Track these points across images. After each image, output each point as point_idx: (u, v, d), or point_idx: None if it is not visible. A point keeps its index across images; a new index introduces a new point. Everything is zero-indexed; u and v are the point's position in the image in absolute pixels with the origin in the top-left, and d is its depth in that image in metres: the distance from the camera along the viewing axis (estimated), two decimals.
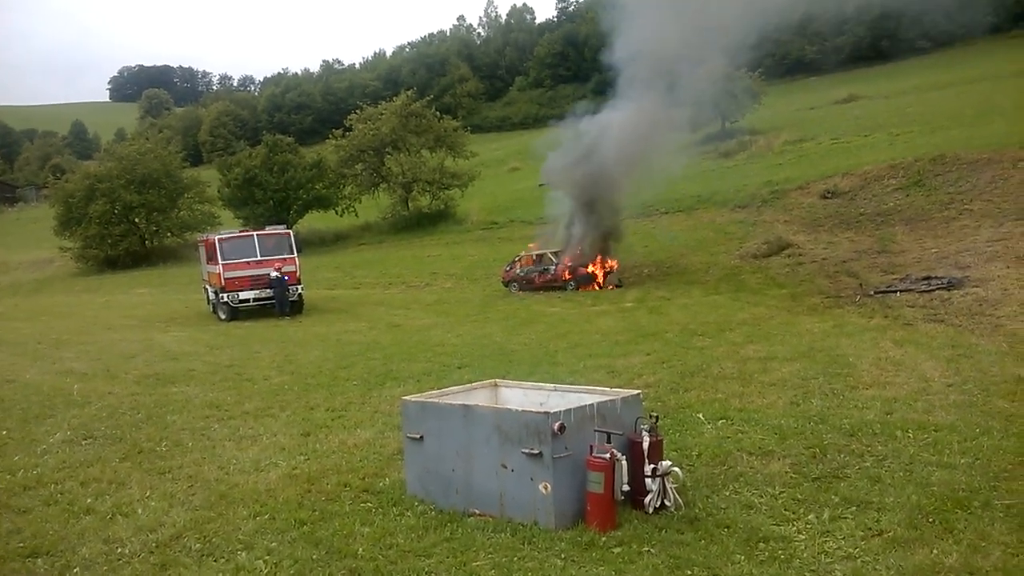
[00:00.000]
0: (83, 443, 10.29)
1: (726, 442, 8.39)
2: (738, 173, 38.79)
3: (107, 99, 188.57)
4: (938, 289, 17.58)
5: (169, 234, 54.13)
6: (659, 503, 6.61)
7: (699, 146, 49.84)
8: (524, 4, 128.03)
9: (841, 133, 42.28)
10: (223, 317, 25.21)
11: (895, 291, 18.27)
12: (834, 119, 48.56)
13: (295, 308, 25.42)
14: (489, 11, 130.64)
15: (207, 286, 27.31)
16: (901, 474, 7.17)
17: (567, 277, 26.45)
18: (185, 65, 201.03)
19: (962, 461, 7.36)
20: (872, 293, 18.55)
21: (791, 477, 7.30)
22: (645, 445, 6.69)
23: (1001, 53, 59.56)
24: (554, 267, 26.84)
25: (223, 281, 25.01)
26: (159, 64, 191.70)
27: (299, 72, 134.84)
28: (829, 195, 29.50)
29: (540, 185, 45.75)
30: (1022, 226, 21.40)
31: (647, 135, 25.50)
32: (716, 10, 25.09)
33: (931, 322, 14.93)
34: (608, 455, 6.40)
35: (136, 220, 53.10)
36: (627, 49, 25.66)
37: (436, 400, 7.58)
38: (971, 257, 19.89)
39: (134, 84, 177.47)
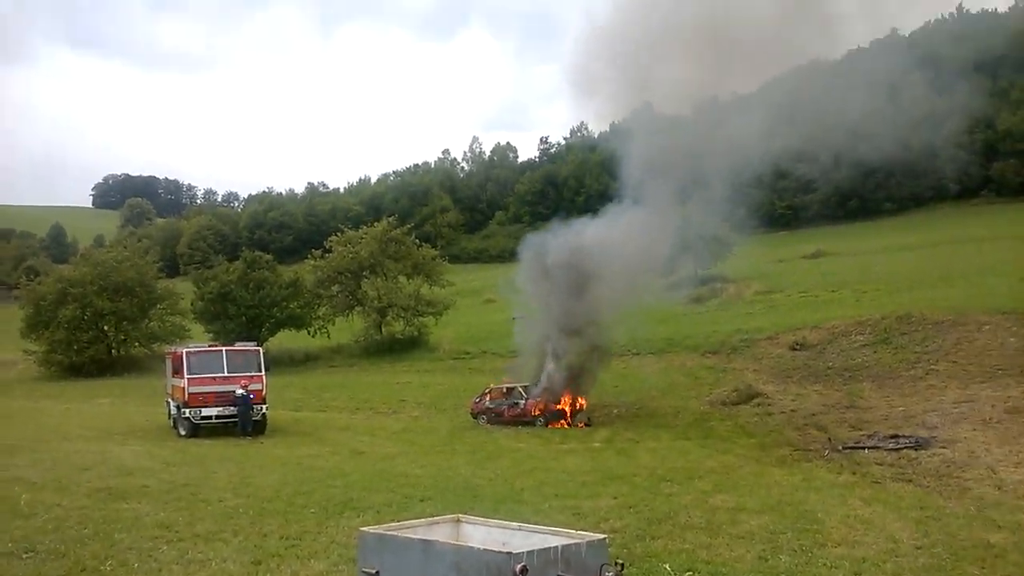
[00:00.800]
0: (24, 557, 9.85)
1: None
2: (709, 319, 39.30)
3: (89, 205, 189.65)
4: (906, 448, 17.61)
5: (137, 344, 53.40)
6: None
7: (670, 291, 50.70)
8: (508, 143, 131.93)
9: (809, 287, 43.20)
10: (183, 433, 24.58)
11: (863, 448, 18.27)
12: (802, 273, 49.74)
13: (258, 428, 24.89)
14: (474, 147, 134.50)
15: (169, 399, 26.76)
16: None
17: (536, 412, 26.25)
18: (171, 177, 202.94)
19: None
20: (840, 448, 18.53)
21: None
22: None
23: (964, 218, 61.97)
24: (523, 401, 26.68)
25: (187, 396, 24.52)
26: (145, 175, 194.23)
27: (284, 192, 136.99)
28: (798, 347, 29.85)
29: (513, 318, 46.13)
30: (987, 389, 21.68)
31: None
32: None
33: (899, 481, 14.89)
34: None
35: (105, 327, 52.50)
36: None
37: (395, 533, 7.34)
38: (938, 417, 20.03)
39: (118, 192, 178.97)
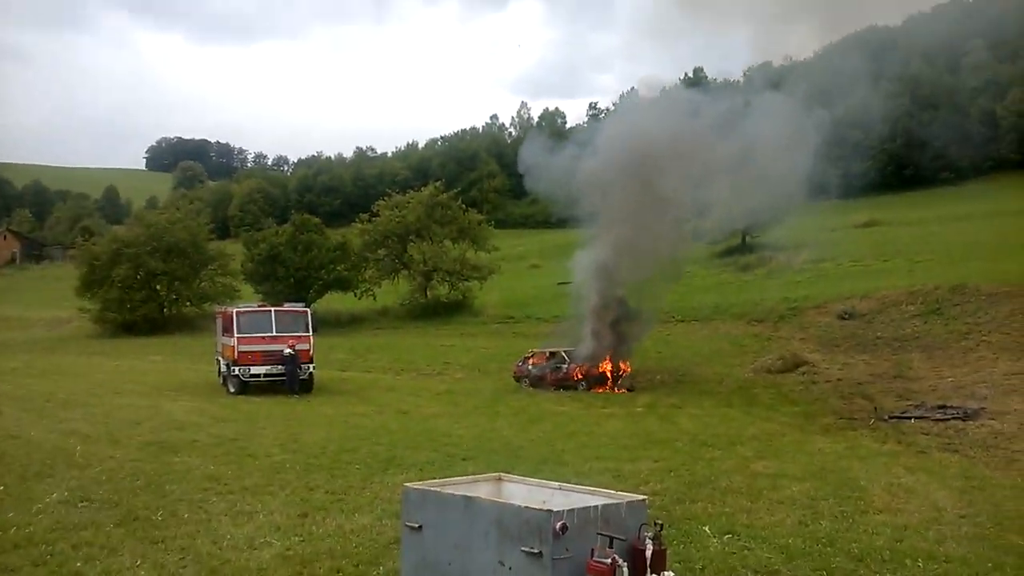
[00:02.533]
0: (79, 505, 10.19)
1: (731, 558, 8.19)
2: (756, 287, 38.92)
3: (143, 167, 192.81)
4: (953, 419, 17.35)
5: (188, 303, 54.49)
6: None
7: (719, 258, 50.24)
8: (556, 108, 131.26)
9: (860, 256, 42.48)
10: (232, 390, 25.13)
11: (909, 417, 18.04)
12: (854, 242, 48.84)
13: (305, 386, 25.34)
14: (522, 112, 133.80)
15: (220, 358, 27.32)
16: None
17: (579, 377, 26.31)
18: (223, 141, 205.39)
19: None
20: (886, 418, 18.33)
21: None
22: (648, 553, 6.51)
23: (1022, 189, 60.13)
24: (566, 365, 26.74)
25: (236, 354, 25.02)
26: (197, 137, 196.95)
27: (332, 156, 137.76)
28: (846, 316, 29.47)
29: (559, 284, 46.10)
30: None
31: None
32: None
33: (945, 451, 14.71)
34: (610, 560, 6.24)
35: (157, 287, 53.61)
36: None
37: (438, 489, 7.46)
38: (987, 389, 19.69)
39: (171, 155, 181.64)
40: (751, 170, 25.79)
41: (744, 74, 28.88)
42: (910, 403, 19.72)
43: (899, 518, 9.87)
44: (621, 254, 26.48)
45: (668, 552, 6.91)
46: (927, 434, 16.37)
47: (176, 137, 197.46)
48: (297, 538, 8.80)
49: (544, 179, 28.57)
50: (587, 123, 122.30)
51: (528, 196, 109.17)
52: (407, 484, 7.64)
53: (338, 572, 7.67)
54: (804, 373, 24.71)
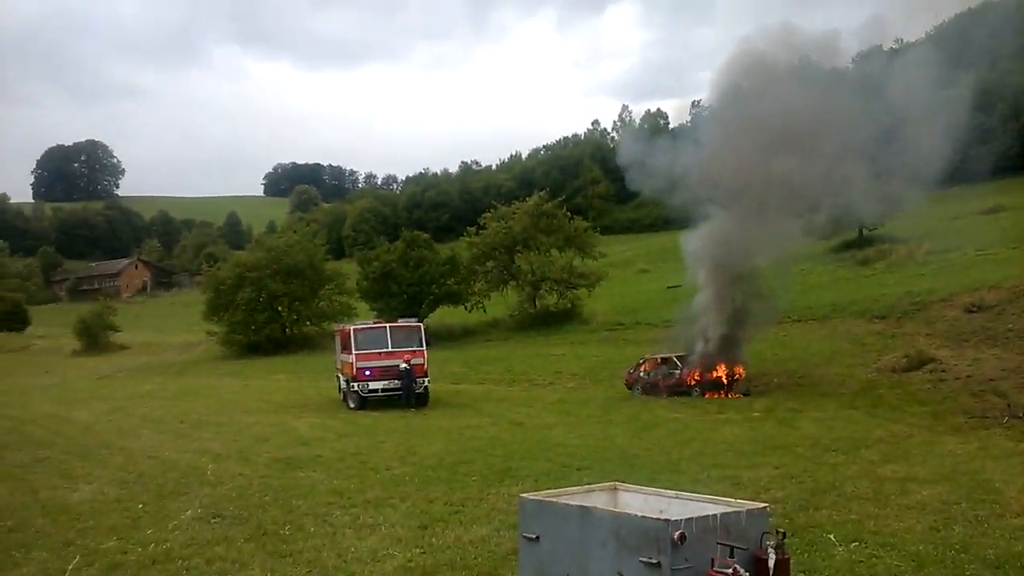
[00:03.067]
0: (212, 521, 10.68)
1: (858, 567, 7.94)
2: (876, 282, 37.50)
3: (261, 193, 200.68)
4: None
5: (308, 323, 56.28)
6: None
7: (835, 253, 48.62)
8: (658, 110, 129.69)
9: (987, 244, 40.37)
10: (352, 405, 25.86)
11: None
12: (979, 230, 46.45)
13: (421, 400, 25.85)
14: (623, 116, 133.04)
15: (339, 374, 28.15)
16: None
17: (693, 382, 25.91)
18: (335, 164, 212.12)
19: None
20: (1021, 415, 17.36)
21: None
22: (771, 563, 6.38)
23: None
24: (679, 371, 26.38)
25: (355, 370, 25.75)
26: (311, 162, 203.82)
27: (439, 172, 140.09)
28: (975, 309, 28.05)
29: (669, 287, 45.51)
30: None
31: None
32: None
33: None
34: (731, 570, 6.14)
35: (279, 308, 55.53)
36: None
37: (554, 500, 7.50)
38: None
39: (287, 180, 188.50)
40: (893, 147, 24.42)
41: (852, 60, 27.64)
42: None
43: None
44: (733, 251, 25.96)
45: (792, 561, 6.76)
46: None
47: (291, 163, 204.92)
48: (418, 550, 9.00)
49: (647, 174, 28.12)
50: (690, 121, 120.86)
51: (633, 200, 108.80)
52: (523, 495, 7.70)
53: None
54: (931, 371, 23.63)
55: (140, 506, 11.70)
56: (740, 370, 25.82)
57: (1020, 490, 10.92)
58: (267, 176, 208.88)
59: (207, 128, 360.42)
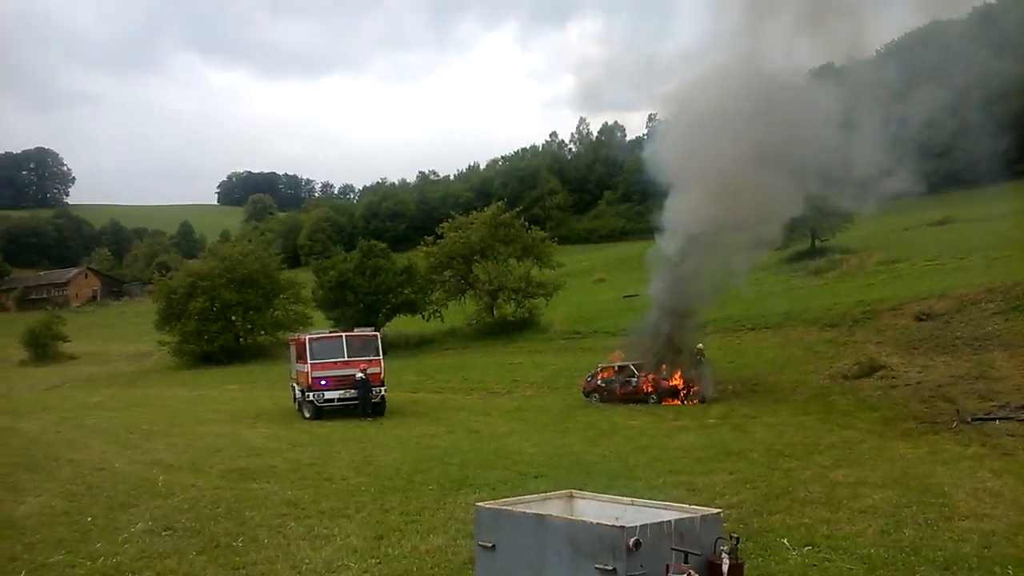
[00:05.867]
0: (163, 534, 10.48)
1: (811, 570, 8.03)
2: (828, 292, 38.11)
3: (215, 202, 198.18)
4: None
5: (262, 332, 55.70)
6: None
7: (788, 263, 49.35)
8: (615, 122, 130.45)
9: (936, 255, 41.28)
10: (307, 415, 25.60)
11: (994, 419, 17.44)
12: (928, 241, 47.54)
13: (377, 409, 25.67)
14: (581, 128, 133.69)
15: (294, 384, 27.86)
16: None
17: (649, 390, 26.10)
18: (291, 172, 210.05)
19: None
20: (969, 420, 17.74)
21: None
22: (725, 568, 6.43)
23: None
24: (636, 379, 26.55)
25: (310, 380, 25.50)
26: (266, 171, 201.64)
27: (396, 182, 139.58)
28: (924, 317, 28.63)
29: (626, 296, 45.80)
30: None
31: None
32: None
33: None
34: (685, 575, 6.18)
35: (233, 317, 54.89)
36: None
37: (510, 508, 7.49)
38: None
39: (241, 189, 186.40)
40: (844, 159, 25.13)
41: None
42: (994, 404, 19.04)
43: (986, 524, 9.54)
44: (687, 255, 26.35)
45: (745, 566, 6.82)
46: (1013, 435, 15.80)
47: (246, 171, 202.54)
48: (374, 560, 8.91)
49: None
50: (647, 135, 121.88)
51: (591, 211, 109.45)
52: (479, 504, 7.69)
53: None
54: (882, 377, 24.07)
55: (89, 519, 11.44)
56: (680, 380, 25.98)
57: (968, 493, 11.14)
58: (222, 185, 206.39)
59: (162, 136, 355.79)
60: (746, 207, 25.02)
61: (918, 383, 22.73)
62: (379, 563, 8.80)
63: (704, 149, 25.47)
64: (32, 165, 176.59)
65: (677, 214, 26.87)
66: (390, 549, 9.38)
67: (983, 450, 14.75)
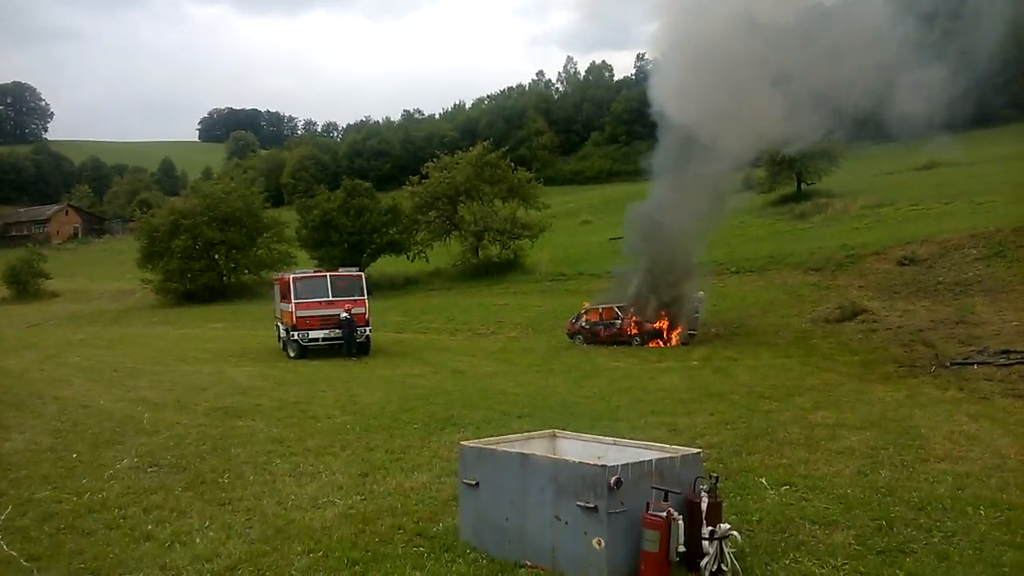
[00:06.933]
0: (149, 471, 10.55)
1: (789, 509, 8.17)
2: (813, 236, 38.27)
3: (196, 139, 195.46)
4: (1017, 364, 16.94)
5: (246, 271, 55.53)
6: (716, 567, 6.45)
7: (773, 207, 49.42)
8: (603, 62, 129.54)
9: (920, 199, 41.43)
10: (292, 355, 25.67)
11: (972, 363, 17.67)
12: (913, 185, 47.66)
13: (362, 349, 25.76)
14: (568, 67, 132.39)
15: (279, 323, 27.88)
16: (971, 552, 6.89)
17: (633, 332, 26.26)
18: (273, 110, 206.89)
19: None
20: (948, 364, 17.98)
21: (855, 549, 7.06)
22: (703, 506, 6.56)
23: None
24: (620, 321, 26.69)
25: (295, 319, 25.51)
26: (248, 108, 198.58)
27: (381, 120, 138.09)
28: (906, 262, 28.85)
29: (612, 239, 45.82)
30: None
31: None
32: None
33: (1009, 397, 14.39)
34: (665, 513, 6.30)
35: (216, 256, 54.62)
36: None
37: (494, 447, 7.58)
38: None
39: (223, 126, 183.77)
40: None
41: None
42: (973, 348, 19.29)
43: (960, 466, 9.72)
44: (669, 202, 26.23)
45: (724, 504, 6.94)
46: (990, 380, 16.02)
47: (227, 108, 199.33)
48: (359, 497, 9.01)
49: None
50: (635, 75, 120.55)
51: (577, 152, 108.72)
52: (463, 443, 7.76)
53: (399, 529, 7.84)
54: (863, 321, 24.32)
55: (74, 455, 11.49)
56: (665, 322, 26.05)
57: (945, 436, 11.33)
58: (203, 121, 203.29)
59: (142, 72, 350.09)
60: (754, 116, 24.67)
61: (899, 327, 22.98)
62: (364, 499, 8.91)
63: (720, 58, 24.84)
64: (9, 100, 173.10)
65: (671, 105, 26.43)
66: (375, 486, 9.48)
67: (960, 394, 14.96)
